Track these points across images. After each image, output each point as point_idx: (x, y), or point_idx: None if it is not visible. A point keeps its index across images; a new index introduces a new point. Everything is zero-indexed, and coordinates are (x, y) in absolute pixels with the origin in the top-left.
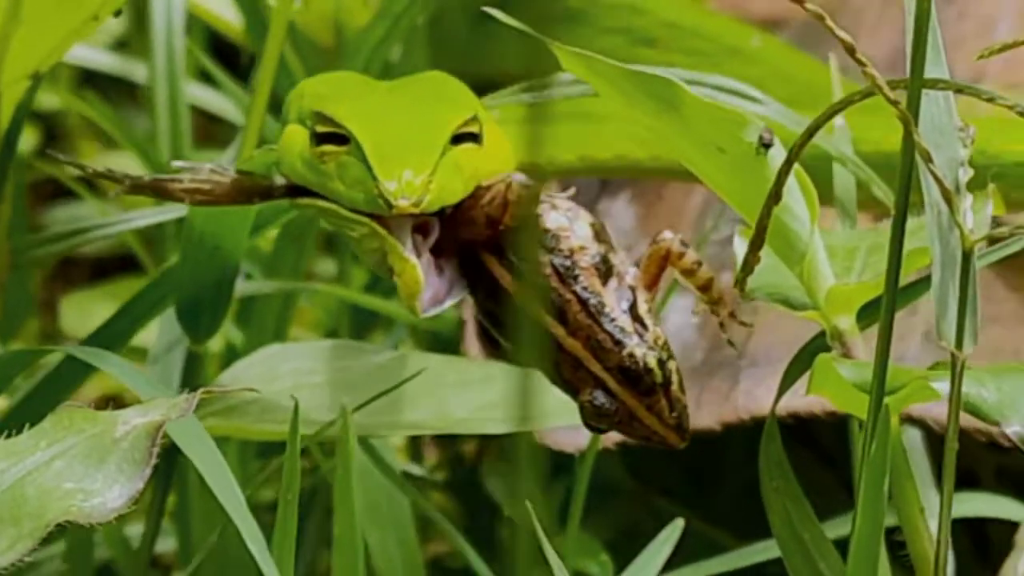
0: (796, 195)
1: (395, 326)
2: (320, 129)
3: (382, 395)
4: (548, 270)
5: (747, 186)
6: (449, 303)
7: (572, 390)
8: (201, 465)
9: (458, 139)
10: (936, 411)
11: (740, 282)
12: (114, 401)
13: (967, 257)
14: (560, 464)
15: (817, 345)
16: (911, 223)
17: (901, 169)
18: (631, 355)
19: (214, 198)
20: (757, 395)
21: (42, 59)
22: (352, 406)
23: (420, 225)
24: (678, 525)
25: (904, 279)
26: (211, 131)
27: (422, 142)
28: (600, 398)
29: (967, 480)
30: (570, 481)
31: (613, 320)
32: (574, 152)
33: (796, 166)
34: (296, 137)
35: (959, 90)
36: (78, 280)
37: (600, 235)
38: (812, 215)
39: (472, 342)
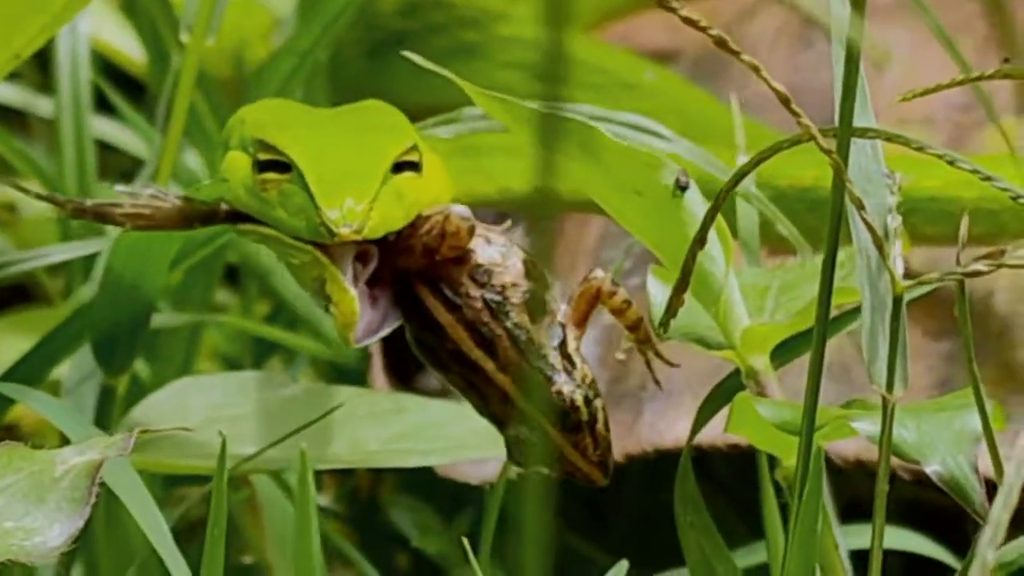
0: (712, 236)
1: (296, 356)
2: (262, 157)
3: (304, 428)
4: (480, 304)
5: (663, 228)
6: (383, 334)
7: (499, 424)
8: (128, 501)
9: (399, 168)
10: (840, 446)
11: (664, 324)
12: (8, 432)
13: (897, 302)
14: (459, 496)
15: (730, 384)
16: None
17: (831, 215)
18: (559, 392)
19: (155, 223)
20: (659, 428)
21: None
22: (272, 440)
23: (360, 253)
24: (622, 567)
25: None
26: (107, 162)
27: (363, 170)
28: (526, 433)
29: (858, 511)
30: (474, 513)
31: (543, 356)
32: (493, 185)
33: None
34: (238, 164)
35: (888, 138)
36: None
37: (532, 271)
38: (727, 256)
39: (379, 374)
